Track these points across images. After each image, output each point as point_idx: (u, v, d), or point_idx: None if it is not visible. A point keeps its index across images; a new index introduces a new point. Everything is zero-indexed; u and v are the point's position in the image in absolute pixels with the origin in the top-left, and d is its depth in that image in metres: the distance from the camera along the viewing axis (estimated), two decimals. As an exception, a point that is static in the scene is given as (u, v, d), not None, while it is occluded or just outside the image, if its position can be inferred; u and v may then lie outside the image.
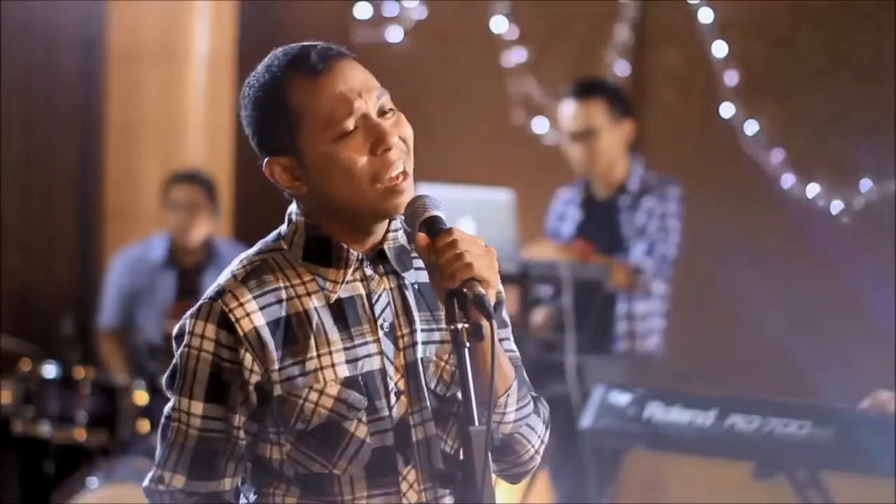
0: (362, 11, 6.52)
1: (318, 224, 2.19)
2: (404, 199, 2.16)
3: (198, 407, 2.16)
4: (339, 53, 2.18)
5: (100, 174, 6.91)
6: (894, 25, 5.50)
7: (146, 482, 2.21)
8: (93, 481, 5.09)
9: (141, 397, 5.36)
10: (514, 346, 2.30)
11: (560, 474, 5.05)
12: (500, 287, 2.26)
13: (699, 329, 5.95)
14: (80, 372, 5.46)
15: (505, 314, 2.30)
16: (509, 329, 2.31)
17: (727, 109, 5.79)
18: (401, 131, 2.17)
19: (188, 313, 2.18)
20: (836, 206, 5.58)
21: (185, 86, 6.81)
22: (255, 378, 2.14)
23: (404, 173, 2.16)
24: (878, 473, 3.33)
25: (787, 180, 5.70)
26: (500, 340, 2.24)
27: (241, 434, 2.17)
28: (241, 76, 6.99)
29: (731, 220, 5.93)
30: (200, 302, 2.18)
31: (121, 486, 5.00)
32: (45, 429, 5.42)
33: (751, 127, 5.74)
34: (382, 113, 2.17)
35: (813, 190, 5.63)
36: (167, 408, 2.19)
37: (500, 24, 6.33)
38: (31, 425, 5.44)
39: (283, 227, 2.23)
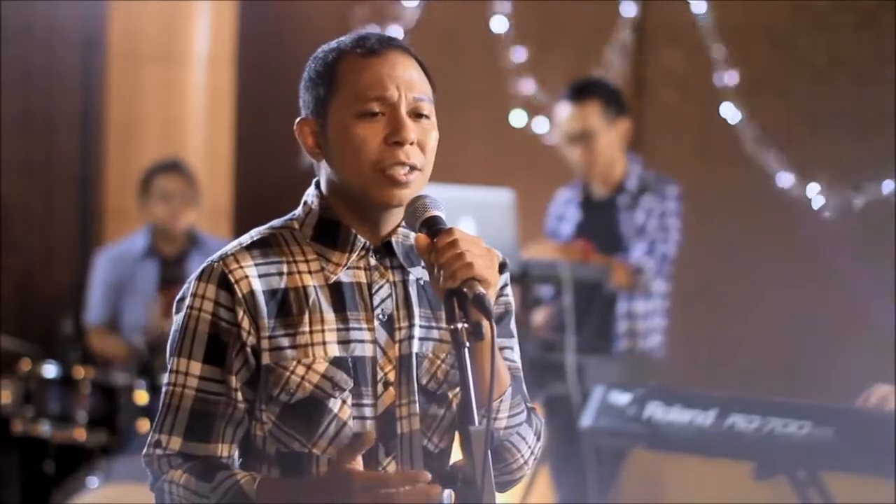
0: (362, 11, 6.52)
1: (332, 207, 2.23)
2: (403, 192, 2.18)
3: (196, 367, 2.18)
4: (400, 47, 2.23)
5: (100, 174, 6.91)
6: (894, 25, 5.50)
7: (144, 450, 2.22)
8: (93, 481, 5.08)
9: (141, 397, 5.36)
10: (517, 358, 2.31)
11: (560, 474, 5.05)
12: (511, 299, 2.28)
13: (699, 329, 5.95)
14: (80, 372, 5.46)
15: (513, 325, 2.32)
16: (515, 340, 2.32)
17: (727, 109, 5.78)
18: (423, 137, 2.20)
19: (192, 276, 2.22)
20: (836, 206, 5.57)
21: (185, 86, 6.81)
22: (251, 340, 2.17)
23: (411, 170, 2.18)
24: (878, 473, 3.33)
25: (787, 180, 5.69)
26: (502, 349, 2.26)
27: (240, 397, 2.18)
28: (241, 76, 7.03)
29: (730, 220, 5.93)
30: (204, 264, 2.21)
31: (121, 486, 5.00)
32: (45, 429, 5.42)
33: (751, 127, 5.74)
34: (416, 114, 2.20)
35: (813, 190, 5.63)
36: (167, 372, 2.22)
37: (500, 24, 6.33)
38: (31, 425, 5.44)
39: (298, 209, 2.27)
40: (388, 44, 2.22)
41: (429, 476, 2.06)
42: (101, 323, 5.95)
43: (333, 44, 2.25)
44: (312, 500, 2.09)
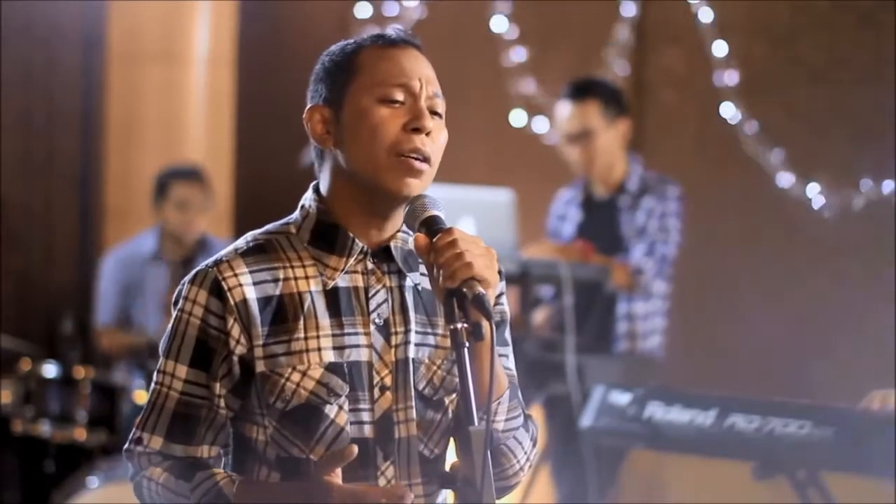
0: (362, 11, 6.52)
1: (330, 211, 2.22)
2: (414, 182, 2.18)
3: (181, 370, 2.19)
4: (419, 46, 2.26)
5: (100, 173, 6.91)
6: (894, 25, 5.50)
7: (126, 444, 2.23)
8: (93, 481, 5.09)
9: (141, 397, 5.36)
10: (512, 366, 2.31)
11: (560, 474, 5.05)
12: (507, 307, 2.28)
13: (699, 329, 5.95)
14: (80, 372, 5.46)
15: (507, 334, 2.31)
16: (510, 349, 2.32)
17: (727, 109, 5.79)
18: (436, 133, 2.21)
19: (185, 279, 2.22)
20: (836, 206, 5.58)
21: (185, 86, 6.81)
22: (240, 349, 2.17)
23: (425, 158, 2.18)
24: (878, 473, 3.33)
25: (787, 180, 5.69)
26: (499, 356, 2.25)
27: (222, 404, 2.19)
28: (241, 76, 7.03)
29: (730, 220, 5.94)
30: (198, 268, 2.21)
31: (121, 485, 5.00)
32: (45, 428, 5.42)
33: (751, 127, 5.74)
34: (431, 111, 2.21)
35: (813, 190, 5.63)
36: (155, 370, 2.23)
37: (500, 24, 6.33)
38: (31, 425, 5.44)
39: (295, 213, 2.26)
40: (410, 39, 2.25)
41: (408, 492, 2.07)
42: (111, 324, 5.95)
43: (350, 39, 2.27)
44: None
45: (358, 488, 2.08)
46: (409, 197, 2.19)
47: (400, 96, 2.19)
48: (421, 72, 2.21)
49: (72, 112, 7.05)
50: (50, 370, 5.47)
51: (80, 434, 5.41)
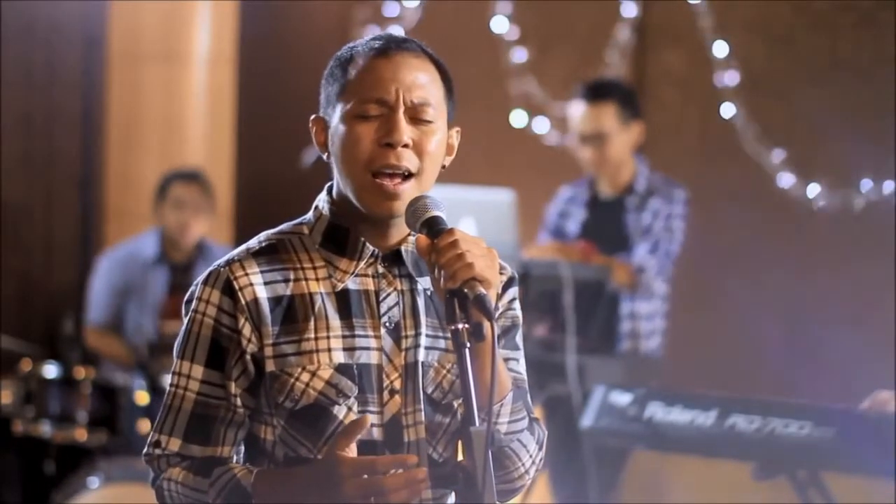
0: (362, 12, 6.52)
1: (342, 213, 2.22)
2: (394, 204, 2.17)
3: (197, 371, 2.19)
4: (412, 49, 2.21)
5: (100, 174, 6.91)
6: (894, 25, 5.50)
7: (145, 449, 2.23)
8: (93, 481, 5.09)
9: (141, 397, 5.36)
10: (522, 371, 2.30)
11: (561, 474, 5.05)
12: (519, 313, 2.27)
13: (700, 329, 5.95)
14: (80, 372, 5.45)
15: (519, 339, 2.31)
16: (521, 353, 2.31)
17: (727, 109, 5.78)
18: (421, 141, 2.18)
19: (198, 279, 2.22)
20: (836, 205, 5.58)
21: (185, 86, 6.81)
22: (251, 348, 2.17)
23: (403, 177, 2.16)
24: (878, 473, 3.33)
25: (787, 180, 5.69)
26: (508, 361, 2.26)
27: (239, 403, 2.19)
28: (241, 76, 7.03)
29: (730, 220, 5.93)
30: (210, 268, 2.21)
31: (121, 486, 5.00)
32: (45, 429, 5.42)
33: (751, 127, 5.74)
34: (416, 119, 2.18)
35: (813, 190, 5.63)
36: (170, 373, 2.23)
37: (500, 24, 6.33)
38: (31, 425, 5.44)
39: (309, 214, 2.26)
40: (400, 45, 2.21)
41: (416, 459, 2.07)
42: (102, 324, 5.95)
43: (353, 42, 2.24)
44: (306, 488, 2.10)
45: (366, 459, 2.07)
46: (392, 216, 2.18)
47: (375, 111, 2.16)
48: (402, 81, 2.17)
49: (72, 112, 7.04)
50: (50, 370, 5.47)
51: (81, 434, 5.40)
